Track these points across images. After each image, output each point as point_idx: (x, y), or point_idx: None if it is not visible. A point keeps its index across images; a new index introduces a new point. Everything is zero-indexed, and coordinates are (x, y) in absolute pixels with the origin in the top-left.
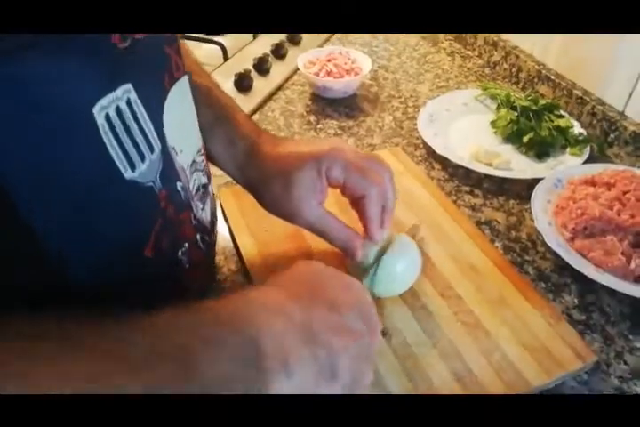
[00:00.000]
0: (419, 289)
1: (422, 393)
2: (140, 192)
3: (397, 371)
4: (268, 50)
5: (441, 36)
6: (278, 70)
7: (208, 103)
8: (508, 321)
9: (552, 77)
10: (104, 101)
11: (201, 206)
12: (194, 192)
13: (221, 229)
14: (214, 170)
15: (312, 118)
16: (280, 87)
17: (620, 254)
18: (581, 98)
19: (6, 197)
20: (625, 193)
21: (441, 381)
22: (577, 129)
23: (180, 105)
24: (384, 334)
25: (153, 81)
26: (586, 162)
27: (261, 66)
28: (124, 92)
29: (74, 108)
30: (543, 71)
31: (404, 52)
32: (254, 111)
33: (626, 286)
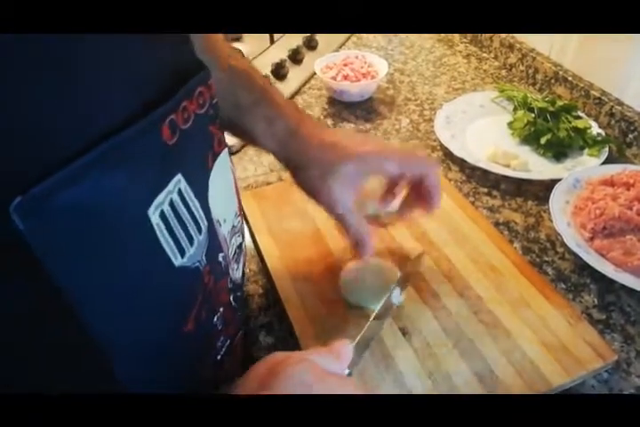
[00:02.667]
0: (439, 289)
1: (443, 393)
2: (187, 275)
3: (418, 370)
4: (285, 55)
5: (456, 38)
6: (295, 75)
7: (247, 86)
8: (528, 321)
9: (569, 78)
10: (159, 199)
11: (236, 267)
12: (231, 256)
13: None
14: (237, 173)
15: (329, 122)
16: (297, 92)
17: (639, 254)
18: (599, 98)
19: (56, 289)
20: None
21: (461, 380)
22: (595, 130)
23: (221, 176)
24: (404, 333)
25: (199, 164)
26: (604, 163)
27: (279, 71)
28: (176, 184)
29: (130, 215)
30: (560, 72)
31: (420, 54)
32: None
33: None
